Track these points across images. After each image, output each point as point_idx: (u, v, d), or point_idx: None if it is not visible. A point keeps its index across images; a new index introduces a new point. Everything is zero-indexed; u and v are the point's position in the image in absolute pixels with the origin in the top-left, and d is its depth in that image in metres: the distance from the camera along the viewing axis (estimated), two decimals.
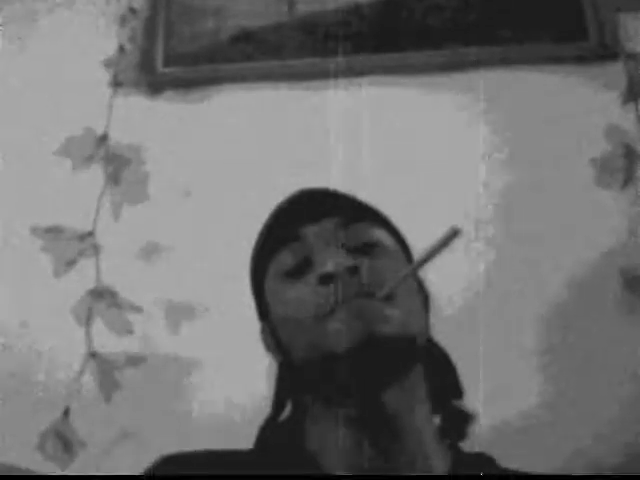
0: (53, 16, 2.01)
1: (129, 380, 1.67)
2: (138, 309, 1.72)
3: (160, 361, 1.68)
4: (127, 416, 1.64)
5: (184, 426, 1.61)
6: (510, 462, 0.96)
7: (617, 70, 1.81)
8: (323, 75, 1.86)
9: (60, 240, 1.79)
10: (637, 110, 1.78)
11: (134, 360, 1.68)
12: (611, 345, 1.58)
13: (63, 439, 1.64)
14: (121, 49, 1.96)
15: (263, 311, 1.00)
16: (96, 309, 1.73)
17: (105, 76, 1.93)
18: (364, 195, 1.02)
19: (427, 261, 0.87)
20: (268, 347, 1.00)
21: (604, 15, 1.84)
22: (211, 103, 1.89)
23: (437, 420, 0.97)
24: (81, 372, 1.69)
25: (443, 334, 1.01)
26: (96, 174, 1.85)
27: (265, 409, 0.99)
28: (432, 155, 1.77)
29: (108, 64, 1.94)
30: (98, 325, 1.73)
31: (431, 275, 0.99)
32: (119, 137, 1.87)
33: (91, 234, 1.79)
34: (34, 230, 1.79)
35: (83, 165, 1.86)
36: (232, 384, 1.61)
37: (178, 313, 1.71)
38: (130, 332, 1.71)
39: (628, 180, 1.74)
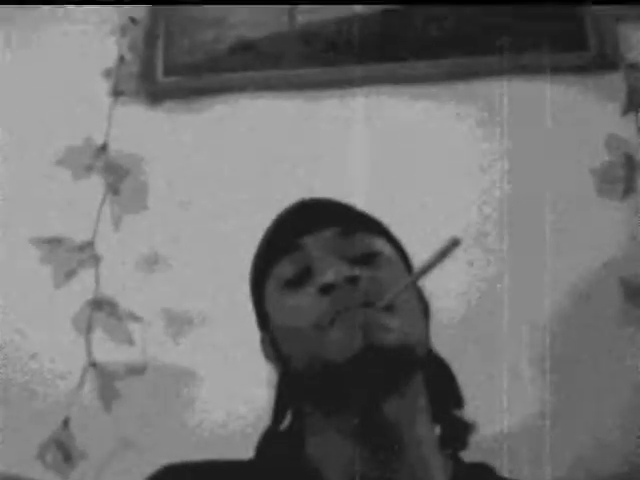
0: (53, 26, 2.01)
1: (129, 390, 1.67)
2: (138, 319, 1.72)
3: (160, 371, 1.68)
4: (127, 426, 1.64)
5: (184, 436, 1.60)
6: (511, 472, 0.96)
7: (617, 80, 1.82)
8: (323, 85, 1.87)
9: (60, 250, 1.79)
10: (637, 120, 1.78)
11: (134, 370, 1.68)
12: (612, 355, 1.58)
13: (63, 449, 1.64)
14: (121, 59, 1.96)
15: (263, 321, 1.00)
16: (96, 319, 1.73)
17: (105, 86, 1.93)
18: (364, 205, 1.02)
19: (427, 271, 0.87)
20: (268, 357, 1.00)
21: (604, 25, 1.85)
22: (211, 113, 1.89)
23: (437, 430, 0.97)
24: (81, 382, 1.68)
25: (443, 344, 1.01)
26: (96, 184, 1.85)
27: (265, 419, 0.99)
28: (432, 165, 1.77)
29: (108, 74, 1.94)
30: (98, 335, 1.73)
31: (431, 285, 0.99)
32: (119, 147, 1.87)
33: (91, 244, 1.79)
34: (34, 240, 1.79)
35: (83, 175, 1.86)
36: (232, 394, 1.61)
37: (178, 323, 1.71)
38: (130, 342, 1.71)
39: (628, 190, 1.74)
